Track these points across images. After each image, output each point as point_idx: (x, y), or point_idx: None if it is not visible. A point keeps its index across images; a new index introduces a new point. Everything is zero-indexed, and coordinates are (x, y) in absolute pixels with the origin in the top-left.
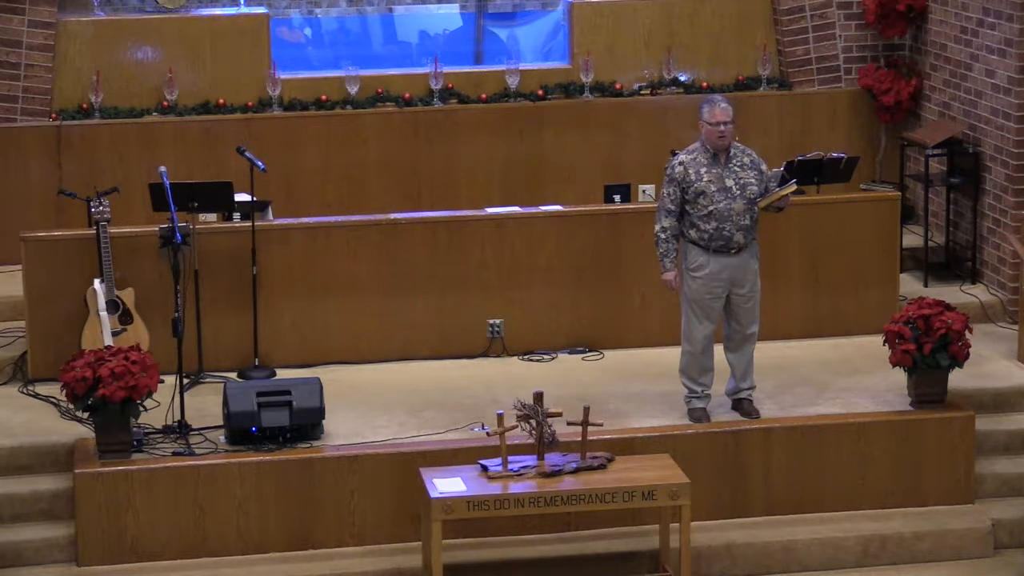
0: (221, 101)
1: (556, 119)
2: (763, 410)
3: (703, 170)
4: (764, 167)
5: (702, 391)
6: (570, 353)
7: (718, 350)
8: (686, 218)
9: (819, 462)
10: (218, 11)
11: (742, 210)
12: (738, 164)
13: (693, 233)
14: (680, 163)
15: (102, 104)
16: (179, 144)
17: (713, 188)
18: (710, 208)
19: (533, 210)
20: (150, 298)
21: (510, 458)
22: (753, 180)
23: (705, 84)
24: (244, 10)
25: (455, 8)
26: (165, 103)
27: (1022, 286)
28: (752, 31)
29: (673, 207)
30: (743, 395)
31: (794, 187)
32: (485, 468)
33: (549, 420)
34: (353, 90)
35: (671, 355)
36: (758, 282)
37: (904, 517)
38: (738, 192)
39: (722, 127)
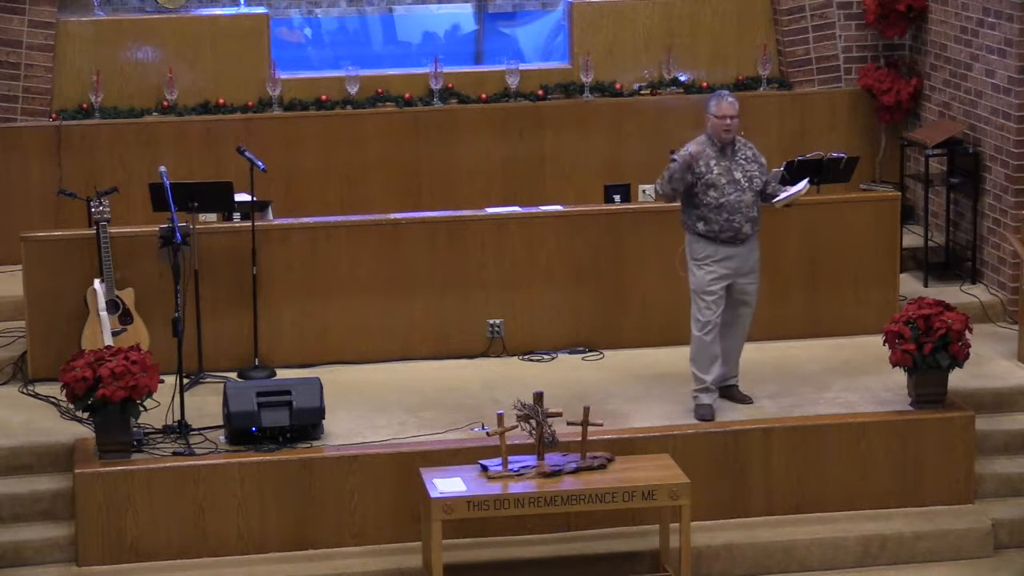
0: (221, 101)
1: (556, 119)
2: (763, 410)
3: (712, 162)
4: (764, 160)
5: (711, 381)
6: (570, 353)
7: None
8: (693, 211)
9: (819, 462)
10: (218, 11)
11: (751, 202)
12: (743, 157)
13: (701, 226)
14: (690, 154)
15: (102, 104)
16: (179, 144)
17: (724, 180)
18: (721, 200)
19: (533, 210)
20: (150, 298)
21: (510, 458)
22: (757, 173)
23: (705, 84)
24: (244, 10)
25: (455, 8)
26: (165, 103)
27: (1022, 286)
28: (752, 31)
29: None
30: (731, 382)
31: (807, 186)
32: (485, 468)
33: (549, 420)
34: (353, 90)
35: (671, 355)
36: (758, 266)
37: (904, 517)
38: (746, 184)
39: (728, 120)
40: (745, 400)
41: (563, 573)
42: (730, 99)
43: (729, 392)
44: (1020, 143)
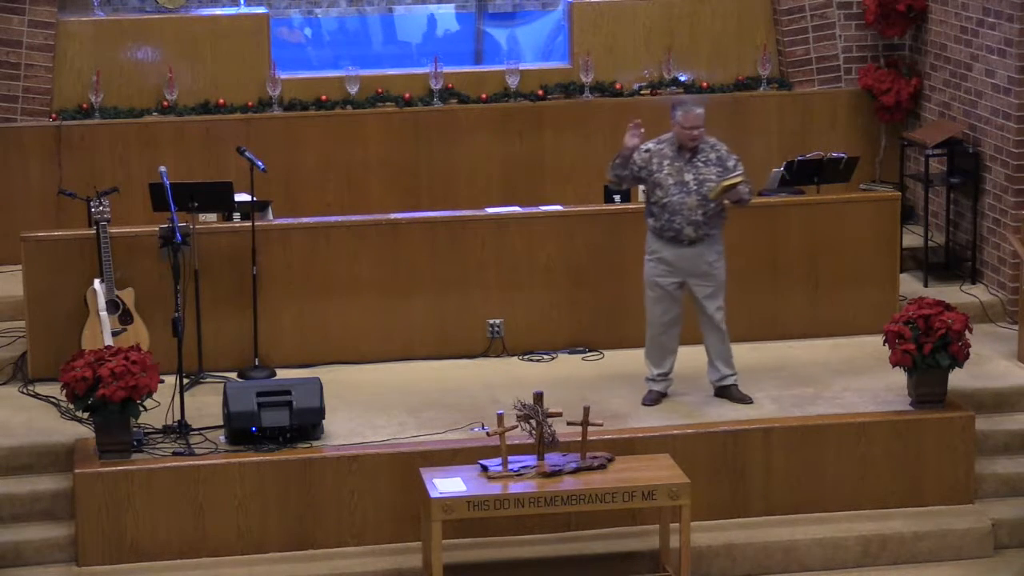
0: (221, 101)
1: (556, 119)
2: (763, 410)
3: (665, 162)
4: (732, 163)
5: (657, 373)
6: (570, 353)
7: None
8: (646, 207)
9: (819, 462)
10: (218, 11)
11: (695, 205)
12: (702, 160)
13: (651, 222)
14: (647, 150)
15: (102, 104)
16: (179, 144)
17: (670, 181)
18: (664, 200)
19: (533, 210)
20: (150, 298)
21: (510, 458)
22: (714, 177)
23: (705, 84)
24: (244, 10)
25: (455, 8)
26: (165, 103)
27: (1022, 286)
28: (752, 31)
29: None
30: (727, 382)
31: (739, 179)
32: (485, 468)
33: (549, 420)
34: (353, 90)
35: None
36: (719, 267)
37: (904, 517)
38: (695, 187)
39: (695, 131)
40: (744, 400)
41: (563, 573)
42: (697, 110)
43: (728, 392)
44: (1020, 143)
